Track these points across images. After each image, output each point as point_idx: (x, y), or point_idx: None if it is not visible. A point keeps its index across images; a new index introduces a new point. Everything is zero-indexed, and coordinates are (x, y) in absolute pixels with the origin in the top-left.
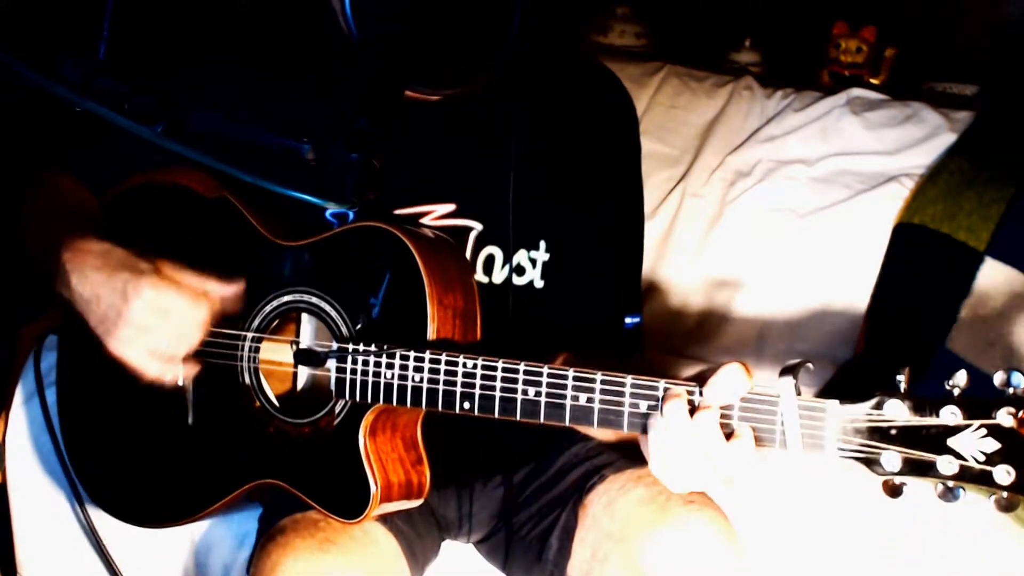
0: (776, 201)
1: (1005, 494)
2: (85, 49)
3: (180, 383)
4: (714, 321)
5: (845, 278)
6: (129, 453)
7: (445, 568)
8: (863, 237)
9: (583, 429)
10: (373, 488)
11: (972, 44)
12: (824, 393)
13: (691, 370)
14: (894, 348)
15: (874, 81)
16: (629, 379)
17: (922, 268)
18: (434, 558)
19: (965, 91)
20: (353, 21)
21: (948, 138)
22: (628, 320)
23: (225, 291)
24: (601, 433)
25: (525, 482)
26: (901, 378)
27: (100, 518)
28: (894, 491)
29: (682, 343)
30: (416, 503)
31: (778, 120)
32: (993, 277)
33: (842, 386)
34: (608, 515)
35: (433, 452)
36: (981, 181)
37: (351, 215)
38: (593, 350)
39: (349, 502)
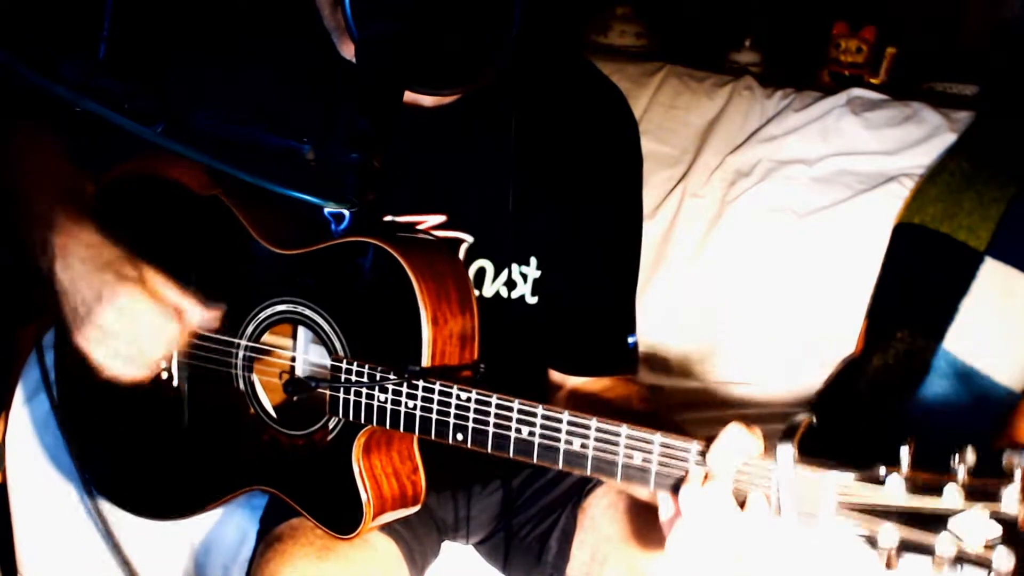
0: (776, 201)
1: None
2: (85, 49)
3: (175, 383)
4: (713, 321)
5: (845, 278)
6: (128, 446)
7: (445, 569)
8: (863, 237)
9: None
10: (366, 505)
11: (972, 44)
12: (824, 392)
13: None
14: (894, 348)
15: (874, 81)
16: (624, 428)
17: (922, 268)
18: (434, 560)
19: (965, 91)
20: (353, 21)
21: (948, 138)
22: (631, 340)
23: (203, 313)
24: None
25: (524, 484)
26: (904, 450)
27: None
28: (890, 563)
29: (681, 343)
30: (412, 511)
31: (778, 120)
32: (993, 277)
33: (841, 387)
34: (607, 517)
35: (433, 455)
36: (981, 181)
37: (347, 215)
38: (599, 372)
39: (343, 517)
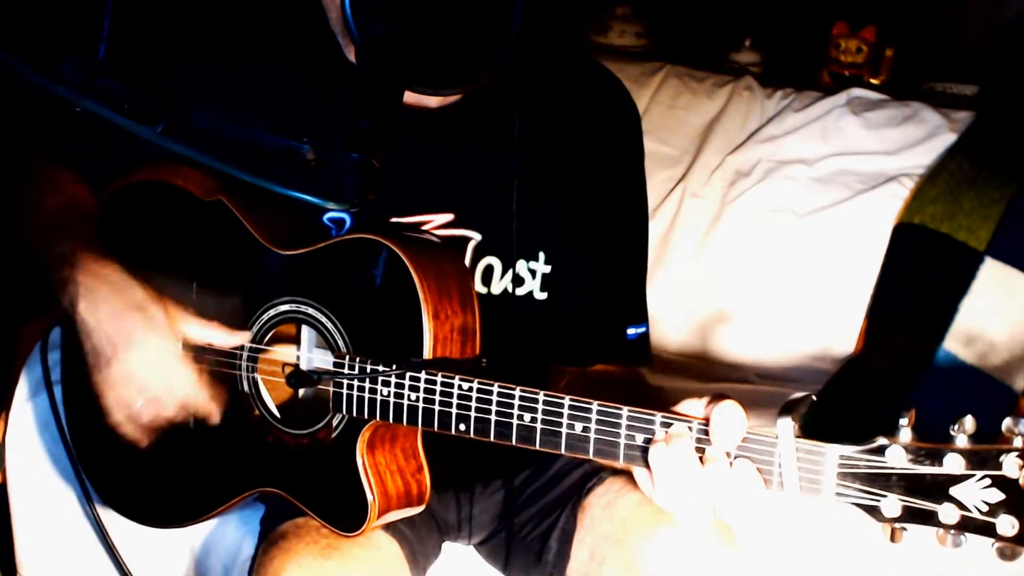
0: (776, 201)
1: (1008, 544)
2: (85, 49)
3: None
4: (713, 321)
5: (845, 278)
6: (132, 452)
7: (445, 569)
8: (863, 237)
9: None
10: (371, 503)
11: (972, 44)
12: (824, 392)
13: (687, 402)
14: (894, 348)
15: (874, 81)
16: (625, 410)
17: (922, 268)
18: (435, 559)
19: (965, 91)
20: (353, 21)
21: (948, 138)
22: (632, 331)
23: (226, 339)
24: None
25: (525, 484)
26: (904, 422)
27: (103, 516)
28: (894, 536)
29: (681, 343)
30: (417, 510)
31: (778, 120)
32: (993, 277)
33: (841, 387)
34: (607, 517)
35: (434, 455)
36: (981, 181)
37: (348, 220)
38: (597, 362)
39: (348, 515)
